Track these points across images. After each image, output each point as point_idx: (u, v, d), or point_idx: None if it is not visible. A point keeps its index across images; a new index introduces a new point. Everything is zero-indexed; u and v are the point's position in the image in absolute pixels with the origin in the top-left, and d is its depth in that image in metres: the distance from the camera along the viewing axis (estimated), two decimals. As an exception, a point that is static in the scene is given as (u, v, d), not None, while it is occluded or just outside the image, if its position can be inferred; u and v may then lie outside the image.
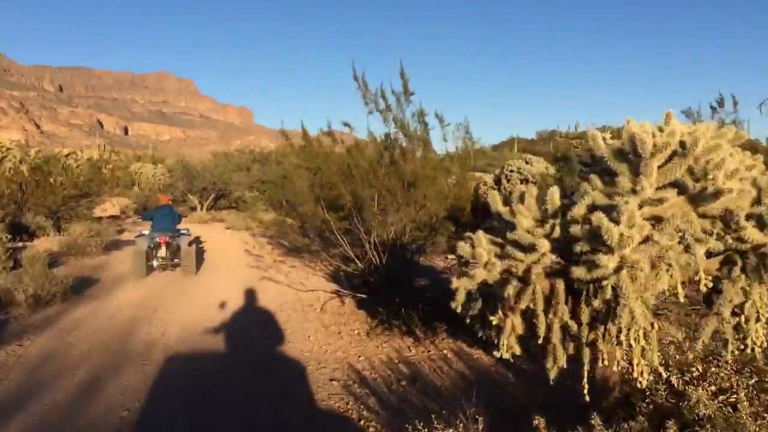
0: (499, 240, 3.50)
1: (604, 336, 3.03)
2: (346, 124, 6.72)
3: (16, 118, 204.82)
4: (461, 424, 2.87)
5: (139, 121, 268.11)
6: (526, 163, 15.42)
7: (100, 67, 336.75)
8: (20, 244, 12.33)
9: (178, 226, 10.32)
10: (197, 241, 12.92)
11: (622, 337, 2.76)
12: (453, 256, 4.09)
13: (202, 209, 24.42)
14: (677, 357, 3.51)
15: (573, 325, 3.10)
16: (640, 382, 2.82)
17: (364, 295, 7.04)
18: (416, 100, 6.65)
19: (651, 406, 3.19)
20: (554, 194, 3.22)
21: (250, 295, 8.29)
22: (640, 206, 2.82)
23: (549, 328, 3.11)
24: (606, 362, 3.09)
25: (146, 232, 9.95)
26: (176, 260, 9.90)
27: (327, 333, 6.24)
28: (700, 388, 3.14)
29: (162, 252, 9.73)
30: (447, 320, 5.88)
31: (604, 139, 3.22)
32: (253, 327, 6.70)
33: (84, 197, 15.73)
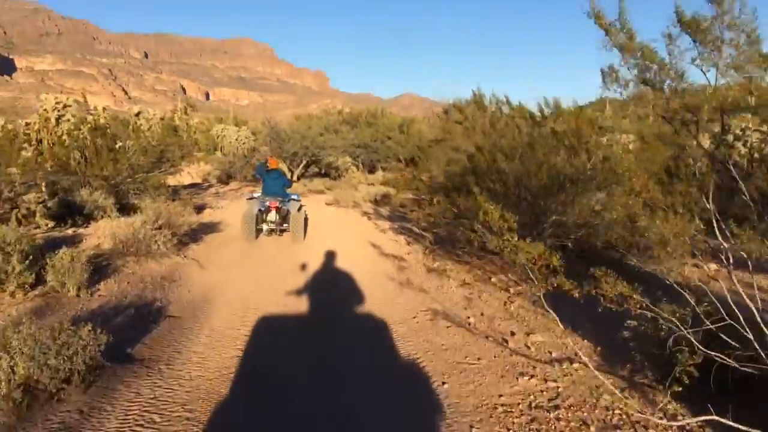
0: None
1: None
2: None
3: (105, 84, 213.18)
4: None
5: (220, 86, 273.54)
6: None
7: (183, 33, 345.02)
8: (71, 231, 9.00)
9: (288, 191, 10.29)
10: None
11: None
12: None
13: (292, 178, 20.87)
14: None
15: None
16: None
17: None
18: None
19: None
20: None
21: (455, 389, 4.13)
22: None
23: None
24: None
25: (257, 195, 9.95)
26: (285, 225, 9.80)
27: None
28: None
29: (272, 216, 9.63)
30: None
31: None
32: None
33: (157, 166, 12.30)
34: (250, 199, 9.93)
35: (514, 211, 6.91)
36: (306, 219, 10.08)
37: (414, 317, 5.37)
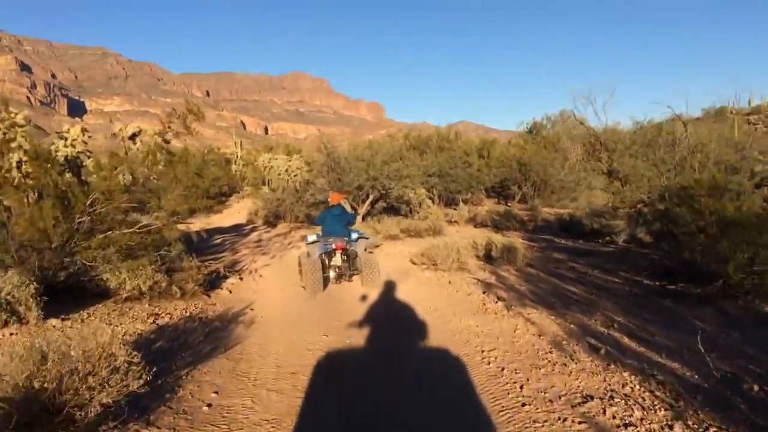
0: None
1: None
2: None
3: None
4: None
5: (278, 120, 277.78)
6: None
7: (241, 71, 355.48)
8: None
9: (352, 228, 8.83)
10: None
11: None
12: None
13: (355, 218, 15.92)
14: None
15: None
16: None
17: None
18: None
19: None
20: None
21: None
22: None
23: None
24: None
25: (312, 237, 8.42)
26: (354, 270, 8.18)
27: None
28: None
29: (337, 260, 8.07)
30: None
31: None
32: None
33: (145, 213, 7.53)
34: (312, 243, 8.31)
35: None
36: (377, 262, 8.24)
37: None
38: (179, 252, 7.51)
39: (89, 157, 8.70)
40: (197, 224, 21.18)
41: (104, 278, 6.55)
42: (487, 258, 9.71)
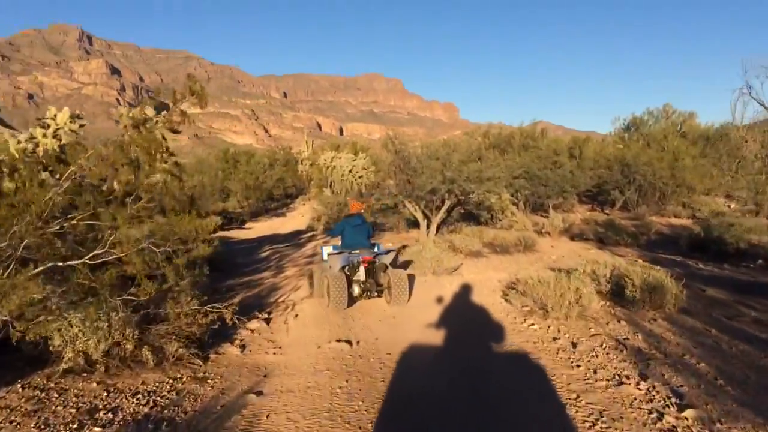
0: None
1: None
2: None
3: (249, 124, 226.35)
4: None
5: (353, 121, 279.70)
6: None
7: (317, 73, 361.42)
8: None
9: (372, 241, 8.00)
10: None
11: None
12: None
13: (429, 228, 13.25)
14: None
15: None
16: None
17: None
18: None
19: None
20: None
21: None
22: None
23: None
24: None
25: (328, 249, 7.87)
26: (380, 286, 7.36)
27: None
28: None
29: (361, 274, 7.33)
30: None
31: None
32: None
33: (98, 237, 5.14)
34: (336, 254, 7.37)
35: None
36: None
37: None
38: (154, 291, 4.98)
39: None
40: (259, 228, 19.28)
41: (46, 335, 4.25)
42: (615, 294, 6.77)
